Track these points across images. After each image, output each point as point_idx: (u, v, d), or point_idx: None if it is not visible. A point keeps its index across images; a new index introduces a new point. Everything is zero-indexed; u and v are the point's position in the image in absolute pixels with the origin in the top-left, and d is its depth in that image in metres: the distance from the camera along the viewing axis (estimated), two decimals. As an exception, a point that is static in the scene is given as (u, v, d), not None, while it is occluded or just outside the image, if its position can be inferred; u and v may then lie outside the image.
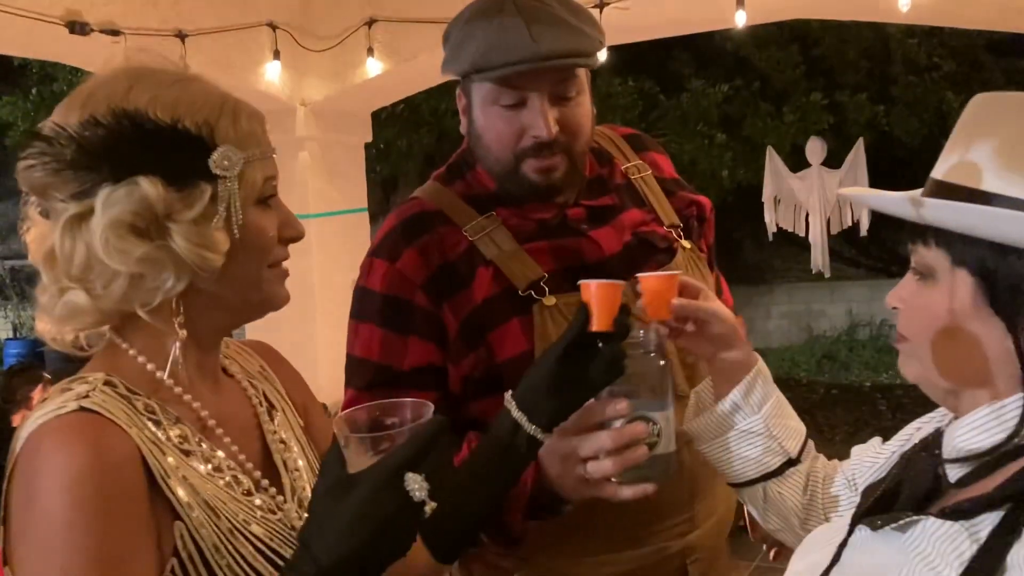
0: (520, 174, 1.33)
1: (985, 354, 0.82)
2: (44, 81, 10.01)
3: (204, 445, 0.92)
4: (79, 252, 0.86)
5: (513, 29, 1.26)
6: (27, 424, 0.85)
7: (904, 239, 0.90)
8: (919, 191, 0.88)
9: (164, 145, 0.85)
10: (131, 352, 0.92)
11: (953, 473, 0.84)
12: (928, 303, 0.85)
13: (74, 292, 0.88)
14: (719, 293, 1.52)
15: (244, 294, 0.94)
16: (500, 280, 1.32)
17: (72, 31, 3.60)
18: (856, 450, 1.14)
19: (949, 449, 0.85)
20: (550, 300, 1.31)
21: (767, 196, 7.25)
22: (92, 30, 3.65)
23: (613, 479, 1.14)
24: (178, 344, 0.91)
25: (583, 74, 1.34)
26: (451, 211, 1.37)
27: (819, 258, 7.05)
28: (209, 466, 0.91)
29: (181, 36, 3.96)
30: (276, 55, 4.30)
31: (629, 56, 7.97)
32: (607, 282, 1.09)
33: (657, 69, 10.05)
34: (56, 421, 0.83)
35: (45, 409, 0.85)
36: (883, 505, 0.88)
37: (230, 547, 0.87)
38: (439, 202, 1.38)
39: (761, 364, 1.20)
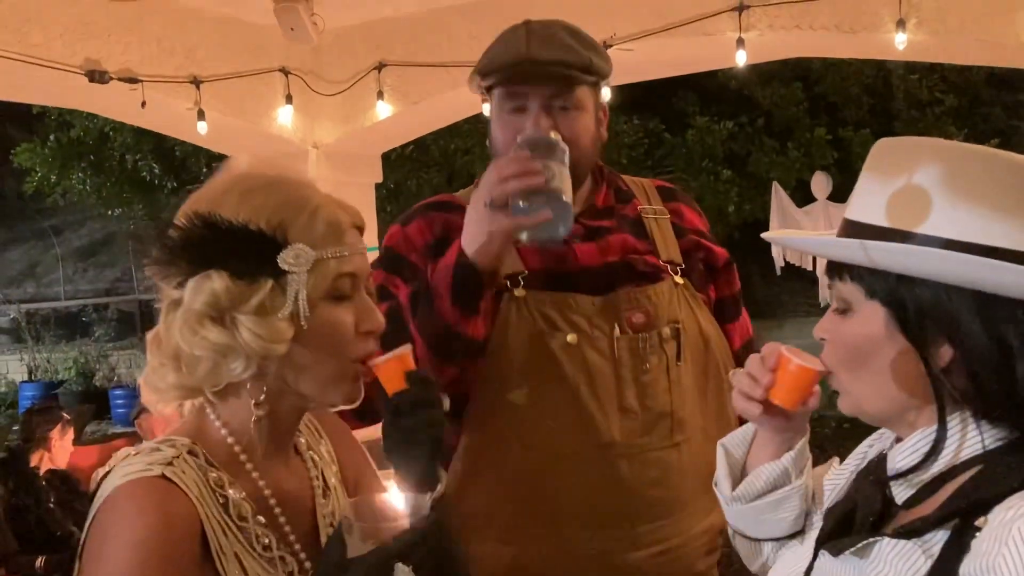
0: None
1: (904, 379, 0.87)
2: (62, 128, 10.19)
3: (260, 526, 0.99)
4: (171, 335, 0.97)
5: (515, 41, 1.44)
6: (113, 477, 0.94)
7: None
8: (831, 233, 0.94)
9: (233, 243, 0.95)
10: (216, 423, 1.01)
11: (899, 495, 0.88)
12: (846, 334, 0.91)
13: (166, 369, 0.98)
14: (732, 341, 1.59)
15: (320, 386, 1.01)
16: None
17: (91, 80, 3.71)
18: (817, 471, 1.13)
19: (892, 471, 0.90)
20: (520, 292, 1.43)
21: (773, 231, 7.31)
22: (111, 78, 3.76)
23: (515, 216, 1.29)
24: (255, 418, 0.99)
25: (585, 94, 1.46)
26: None
27: (828, 292, 7.08)
28: (260, 545, 0.98)
29: (196, 83, 4.07)
30: (288, 99, 4.41)
31: (634, 95, 8.08)
32: (388, 358, 1.07)
33: (662, 107, 10.18)
34: (139, 482, 0.92)
35: (133, 466, 0.94)
36: (842, 528, 0.91)
37: None
38: (464, 199, 1.52)
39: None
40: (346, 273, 0.99)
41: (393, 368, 1.05)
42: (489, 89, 1.49)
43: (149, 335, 1.01)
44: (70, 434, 4.22)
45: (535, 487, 1.42)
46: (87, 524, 0.94)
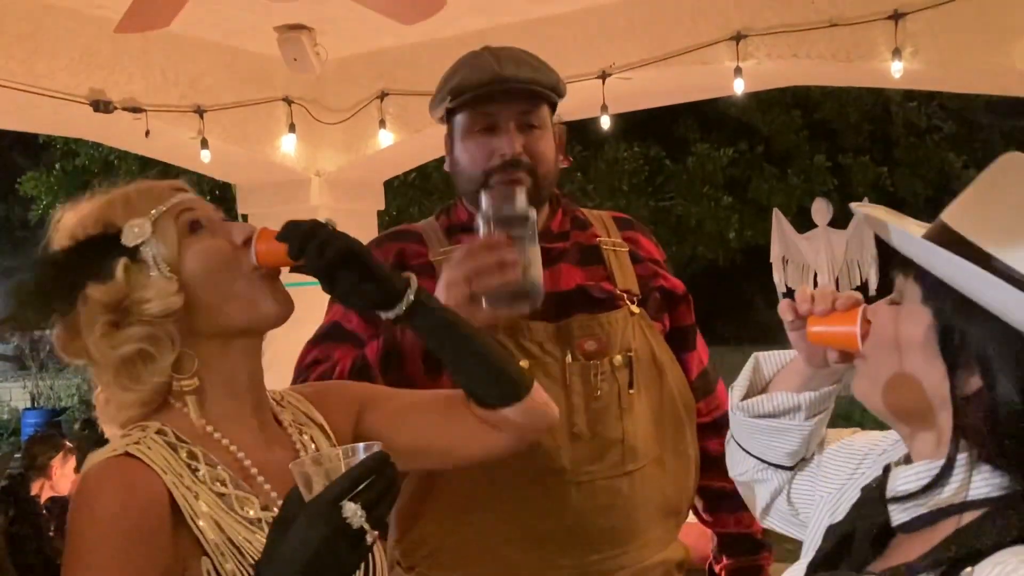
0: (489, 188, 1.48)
1: (925, 393, 0.86)
2: (67, 156, 10.26)
3: (240, 489, 1.02)
4: (102, 371, 1.05)
5: (484, 62, 1.47)
6: (87, 461, 0.99)
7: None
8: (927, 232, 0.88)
9: (77, 260, 1.04)
10: (178, 406, 1.06)
11: (896, 517, 0.87)
12: (887, 322, 0.89)
13: (116, 396, 1.05)
14: (688, 372, 1.61)
15: (243, 309, 1.06)
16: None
17: (96, 109, 3.74)
18: (840, 432, 1.10)
19: (891, 492, 0.88)
20: None
21: (775, 257, 7.33)
22: (115, 108, 3.80)
23: (488, 305, 1.31)
24: (193, 399, 1.05)
25: (546, 113, 1.51)
26: (428, 237, 1.55)
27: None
28: (243, 508, 1.01)
29: (200, 112, 4.11)
30: (291, 128, 4.45)
31: (635, 122, 8.14)
32: (252, 251, 1.09)
33: (663, 134, 10.24)
34: (103, 462, 0.97)
35: (102, 452, 0.99)
36: (839, 549, 0.90)
37: None
38: (424, 229, 1.58)
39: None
40: (184, 210, 1.07)
41: (265, 246, 1.07)
42: (451, 113, 1.51)
43: (95, 395, 1.09)
44: (71, 462, 4.21)
45: (484, 513, 1.42)
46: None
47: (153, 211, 1.06)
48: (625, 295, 1.52)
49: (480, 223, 1.36)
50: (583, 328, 1.47)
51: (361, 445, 0.92)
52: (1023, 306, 0.78)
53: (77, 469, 4.38)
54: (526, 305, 1.34)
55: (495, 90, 1.44)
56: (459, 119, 1.50)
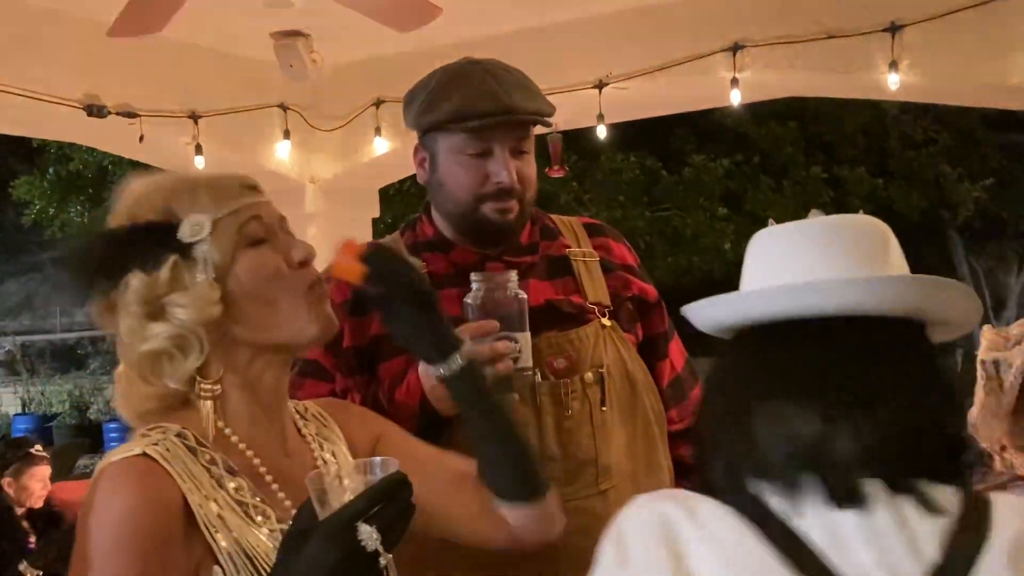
0: (479, 214, 1.46)
1: None
2: (61, 161, 10.24)
3: (259, 498, 1.01)
4: (128, 354, 1.02)
5: (488, 88, 1.43)
6: (102, 460, 0.98)
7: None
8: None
9: (129, 243, 1.01)
10: (200, 407, 1.04)
11: None
12: None
13: (136, 386, 1.03)
14: (660, 379, 1.57)
15: (286, 329, 1.04)
16: None
17: (90, 114, 3.73)
18: None
19: None
20: None
21: (770, 268, 7.32)
22: (109, 112, 3.78)
23: None
24: (210, 405, 1.02)
25: (532, 137, 1.50)
26: None
27: None
28: (260, 517, 1.00)
29: (194, 117, 4.10)
30: (287, 135, 4.43)
31: (631, 132, 8.14)
32: (334, 259, 1.10)
33: (659, 145, 10.25)
34: (120, 462, 0.96)
35: (119, 451, 0.98)
36: None
37: None
38: (389, 245, 1.51)
39: None
40: (251, 218, 1.03)
41: (345, 261, 1.06)
42: (435, 126, 1.47)
43: (116, 371, 1.05)
44: (42, 470, 4.14)
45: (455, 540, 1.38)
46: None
47: (218, 210, 1.01)
48: (596, 308, 1.50)
49: (472, 306, 1.34)
50: (552, 346, 1.44)
51: (378, 460, 0.91)
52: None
53: (67, 475, 4.33)
54: (514, 393, 1.33)
55: (501, 121, 1.42)
56: (448, 138, 1.46)
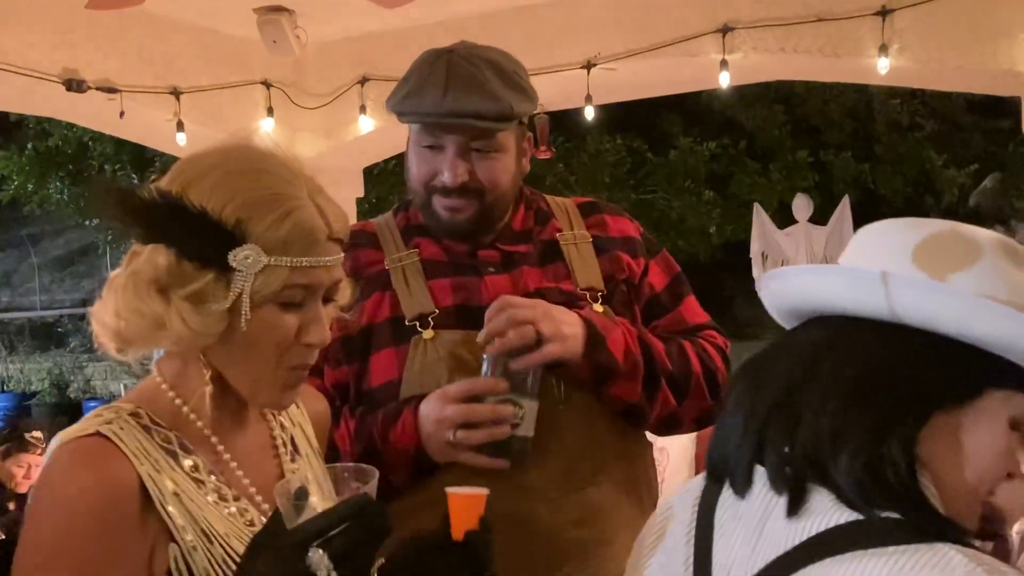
0: (431, 208, 1.44)
1: None
2: (40, 136, 10.11)
3: (214, 476, 0.99)
4: (121, 284, 0.98)
5: (432, 85, 1.38)
6: (55, 440, 0.96)
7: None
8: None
9: (189, 226, 0.94)
10: (164, 387, 1.01)
11: None
12: None
13: (108, 309, 0.98)
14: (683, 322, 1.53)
15: (249, 385, 1.00)
16: (394, 308, 1.42)
17: (69, 88, 3.66)
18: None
19: None
20: (428, 334, 1.39)
21: (755, 252, 7.33)
22: (88, 87, 3.72)
23: (473, 449, 1.31)
24: (208, 391, 0.99)
25: (506, 136, 1.43)
26: (383, 237, 1.49)
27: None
28: (216, 496, 0.98)
29: (176, 93, 4.03)
30: (270, 112, 4.38)
31: (618, 114, 8.11)
32: (466, 493, 1.08)
33: (646, 127, 10.23)
34: (73, 442, 0.94)
35: (71, 430, 0.95)
36: None
37: (219, 570, 0.94)
38: (380, 228, 1.51)
39: None
40: (299, 284, 0.96)
41: (467, 504, 1.03)
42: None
43: (112, 273, 1.00)
44: (30, 458, 4.08)
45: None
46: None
47: (282, 256, 0.94)
48: (587, 293, 1.46)
49: (487, 358, 1.32)
50: None
51: (352, 468, 0.89)
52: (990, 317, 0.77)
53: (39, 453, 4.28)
54: (507, 463, 1.31)
55: (438, 123, 1.39)
56: (411, 128, 1.45)
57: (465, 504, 1.04)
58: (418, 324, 1.40)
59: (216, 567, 0.94)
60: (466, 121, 1.37)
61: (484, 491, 1.05)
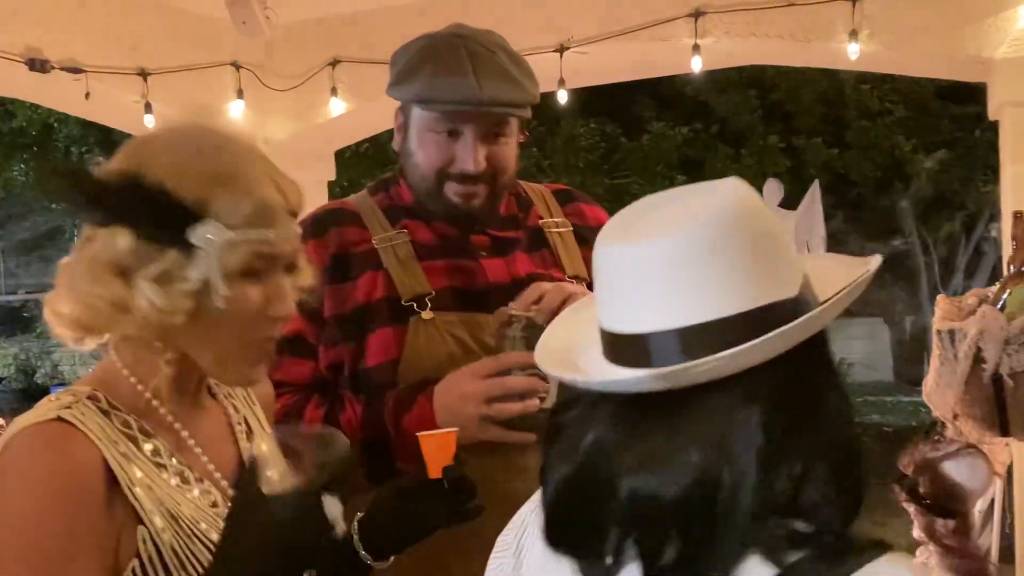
0: (442, 194, 1.43)
1: None
2: (3, 117, 9.91)
3: (176, 459, 0.99)
4: (77, 269, 0.96)
5: (461, 72, 1.37)
6: (10, 429, 0.94)
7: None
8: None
9: (148, 206, 0.92)
10: (124, 372, 1.00)
11: None
12: None
13: (66, 299, 0.97)
14: None
15: (217, 363, 1.00)
16: (389, 288, 1.42)
17: (32, 68, 3.58)
18: None
19: None
20: (428, 315, 1.40)
21: (726, 236, 7.38)
22: (53, 67, 3.64)
23: (502, 425, 1.32)
24: (166, 375, 0.99)
25: (515, 123, 1.45)
26: (366, 217, 1.48)
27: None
28: (179, 478, 0.98)
29: (143, 74, 3.97)
30: (239, 94, 4.32)
31: (591, 99, 8.10)
32: (438, 432, 1.15)
33: (619, 112, 10.22)
34: (33, 427, 0.93)
35: (28, 416, 0.94)
36: None
37: (187, 551, 0.95)
38: (359, 207, 1.50)
39: None
40: (263, 256, 0.97)
41: (440, 443, 1.07)
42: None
43: (63, 261, 0.99)
44: None
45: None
46: None
47: (244, 231, 0.94)
48: (574, 281, 1.48)
49: (511, 338, 1.33)
50: None
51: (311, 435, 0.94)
52: None
53: None
54: (534, 437, 1.31)
55: (472, 112, 1.38)
56: (421, 112, 1.43)
57: (438, 443, 1.08)
58: (415, 305, 1.40)
59: (183, 547, 0.95)
60: (503, 109, 1.39)
61: (454, 429, 1.11)
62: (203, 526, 0.98)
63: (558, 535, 0.78)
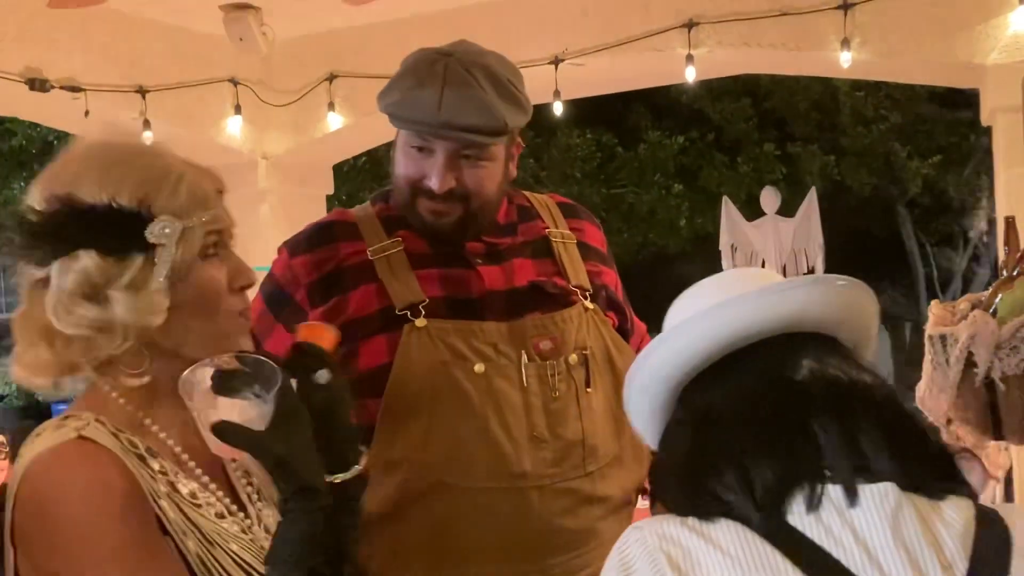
0: (415, 208, 1.45)
1: None
2: (3, 136, 9.93)
3: (179, 476, 1.01)
4: (39, 314, 0.97)
5: (428, 93, 1.38)
6: (25, 458, 0.95)
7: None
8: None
9: (100, 221, 0.96)
10: (113, 395, 1.01)
11: None
12: None
13: (38, 348, 0.98)
14: None
15: (204, 346, 1.02)
16: (383, 298, 1.43)
17: (32, 88, 3.61)
18: None
19: None
20: (421, 322, 1.40)
21: (724, 245, 7.39)
22: (52, 87, 3.67)
23: None
24: (145, 382, 1.00)
25: (498, 147, 1.44)
26: (364, 228, 1.49)
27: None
28: (186, 492, 1.00)
29: (142, 92, 4.00)
30: (237, 110, 4.35)
31: (587, 109, 8.13)
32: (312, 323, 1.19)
33: (615, 121, 10.25)
34: (60, 447, 0.93)
35: (44, 441, 0.95)
36: None
37: (212, 560, 0.97)
38: (359, 217, 1.52)
39: None
40: (212, 231, 1.01)
41: (320, 334, 1.08)
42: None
43: (14, 315, 1.01)
44: None
45: (444, 522, 1.38)
46: (9, 509, 0.94)
47: (191, 217, 0.98)
48: (578, 290, 1.49)
49: None
50: (537, 327, 1.43)
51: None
52: None
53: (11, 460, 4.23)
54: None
55: (432, 133, 1.39)
56: (399, 127, 1.46)
57: (310, 334, 1.09)
58: (409, 313, 1.41)
59: (207, 556, 0.97)
60: (460, 135, 1.38)
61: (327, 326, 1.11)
62: (220, 537, 1.00)
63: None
